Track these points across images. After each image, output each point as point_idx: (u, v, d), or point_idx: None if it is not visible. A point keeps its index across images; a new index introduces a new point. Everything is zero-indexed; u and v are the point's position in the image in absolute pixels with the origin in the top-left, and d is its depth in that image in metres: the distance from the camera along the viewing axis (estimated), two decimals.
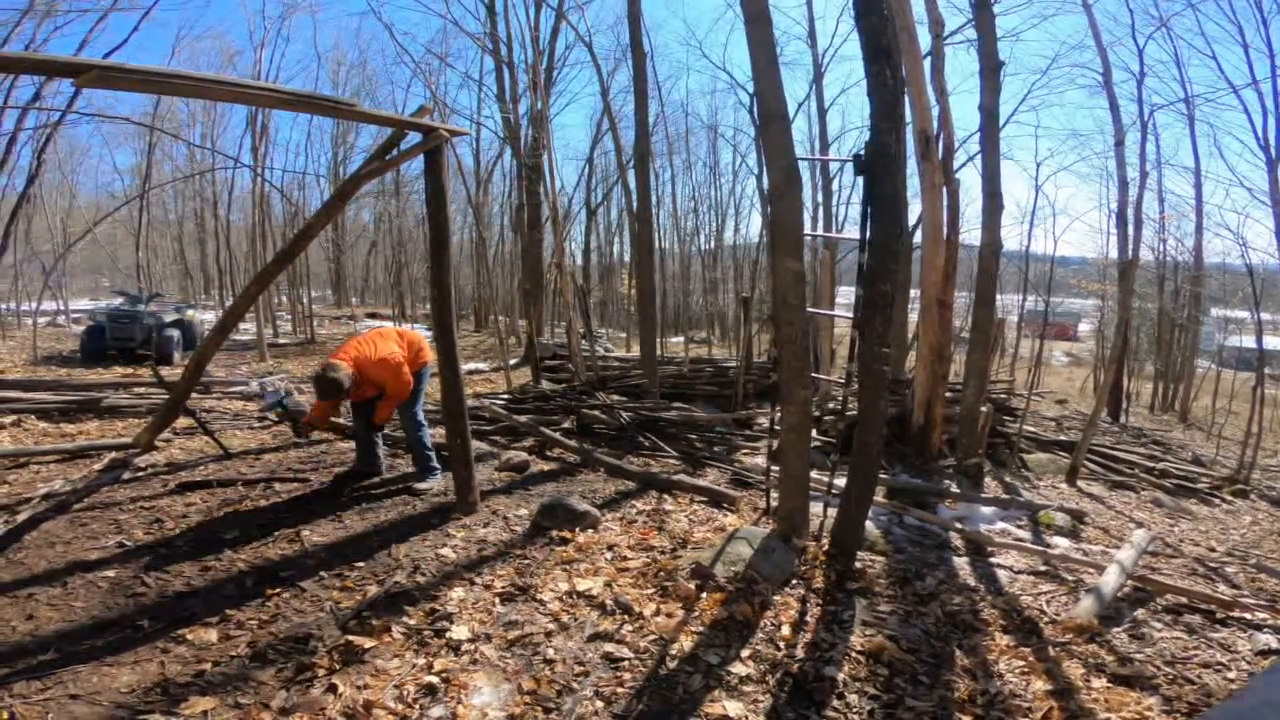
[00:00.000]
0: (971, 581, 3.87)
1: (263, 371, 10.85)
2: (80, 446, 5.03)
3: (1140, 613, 3.49)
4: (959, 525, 4.74)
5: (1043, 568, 4.16)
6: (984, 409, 6.61)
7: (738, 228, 29.19)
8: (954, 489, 5.64)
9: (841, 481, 3.91)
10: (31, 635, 2.59)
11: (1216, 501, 7.04)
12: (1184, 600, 3.64)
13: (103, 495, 4.18)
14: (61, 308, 18.51)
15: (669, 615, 2.93)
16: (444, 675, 2.42)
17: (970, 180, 18.45)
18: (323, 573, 3.24)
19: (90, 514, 3.86)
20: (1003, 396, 9.10)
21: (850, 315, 3.74)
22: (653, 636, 2.76)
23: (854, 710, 2.40)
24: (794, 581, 3.41)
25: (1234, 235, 25.29)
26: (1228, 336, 20.89)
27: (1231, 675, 2.90)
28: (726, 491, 4.78)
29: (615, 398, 7.80)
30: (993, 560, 4.26)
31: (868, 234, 3.48)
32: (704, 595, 3.10)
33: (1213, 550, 5.18)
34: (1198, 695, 2.69)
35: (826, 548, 3.72)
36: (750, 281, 21.94)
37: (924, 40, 7.11)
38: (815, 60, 16.92)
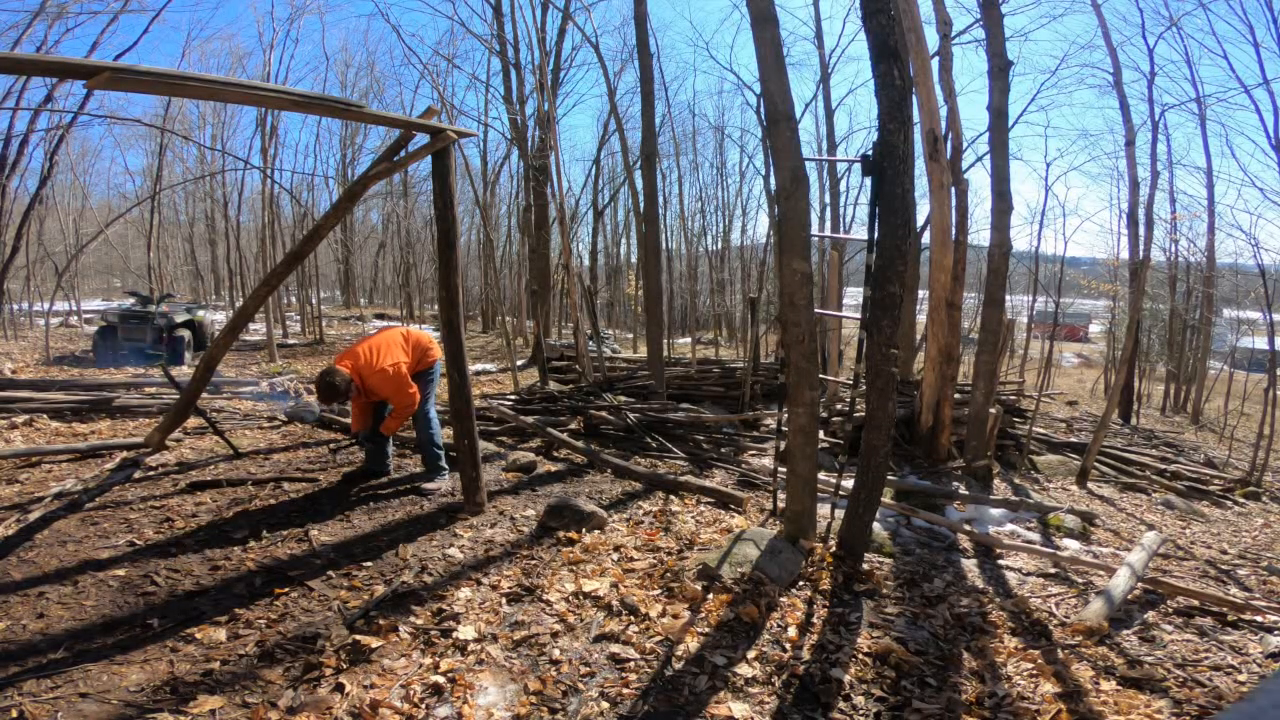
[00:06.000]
0: (980, 583, 3.86)
1: (272, 372, 10.91)
2: (92, 446, 5.07)
3: (1151, 615, 3.46)
4: (967, 527, 4.72)
5: (1052, 570, 4.14)
6: (993, 410, 6.57)
7: (745, 228, 29.17)
8: (962, 491, 5.60)
9: (849, 483, 3.89)
10: (42, 633, 2.61)
11: (1229, 504, 6.98)
12: (1195, 603, 3.61)
13: (114, 494, 4.21)
14: (73, 308, 18.63)
15: (675, 616, 2.93)
16: (450, 675, 2.42)
17: (979, 181, 18.42)
18: (330, 572, 3.25)
19: (101, 513, 3.89)
20: (1012, 398, 9.04)
21: (858, 316, 3.72)
22: (658, 637, 2.76)
23: (860, 712, 2.39)
24: (801, 583, 3.40)
25: (1246, 235, 25.09)
26: (1240, 337, 20.73)
27: (1242, 678, 2.87)
28: (733, 493, 4.77)
29: (622, 398, 7.81)
30: (1001, 562, 4.24)
31: (875, 235, 3.47)
32: (710, 596, 3.09)
33: (1224, 553, 5.13)
34: (1208, 698, 2.67)
35: (833, 549, 3.71)
36: (758, 282, 21.89)
37: (931, 40, 7.09)
38: (822, 60, 16.88)
